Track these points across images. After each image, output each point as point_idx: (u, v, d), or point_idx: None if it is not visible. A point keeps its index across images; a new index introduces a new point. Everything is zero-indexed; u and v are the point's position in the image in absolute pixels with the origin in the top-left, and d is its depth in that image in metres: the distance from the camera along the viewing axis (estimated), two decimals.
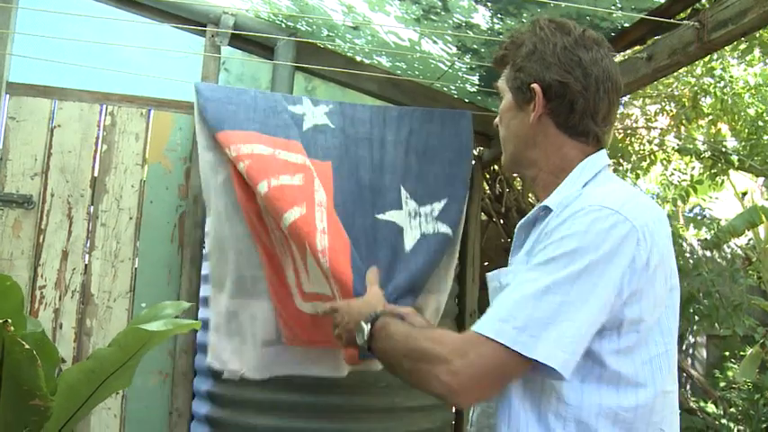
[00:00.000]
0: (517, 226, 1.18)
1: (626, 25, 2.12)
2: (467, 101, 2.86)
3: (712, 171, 4.31)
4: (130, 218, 2.46)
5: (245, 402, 2.23)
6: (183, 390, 2.39)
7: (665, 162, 4.65)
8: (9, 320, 1.02)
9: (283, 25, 2.63)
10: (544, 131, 1.11)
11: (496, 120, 1.20)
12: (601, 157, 1.13)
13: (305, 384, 2.16)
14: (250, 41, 2.67)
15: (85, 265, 2.42)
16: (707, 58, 3.80)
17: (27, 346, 1.08)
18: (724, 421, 4.16)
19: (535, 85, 1.09)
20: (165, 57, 2.53)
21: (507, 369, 0.98)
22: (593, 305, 0.96)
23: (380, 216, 2.18)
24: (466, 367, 0.98)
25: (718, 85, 4.16)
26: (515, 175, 1.12)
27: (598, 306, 0.96)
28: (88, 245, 2.43)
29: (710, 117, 4.33)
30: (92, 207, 2.45)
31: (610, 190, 1.06)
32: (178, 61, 2.58)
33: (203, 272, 2.47)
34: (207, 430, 2.34)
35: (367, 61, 2.79)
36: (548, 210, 1.07)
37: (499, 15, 2.19)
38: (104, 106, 2.49)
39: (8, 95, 2.41)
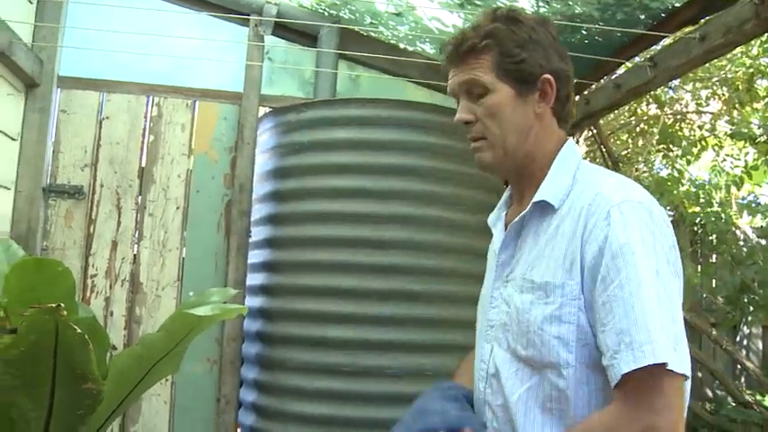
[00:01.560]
0: (502, 222, 1.16)
1: (677, 5, 2.06)
2: None
3: None
4: (177, 207, 2.49)
5: (292, 390, 2.24)
6: (230, 377, 2.42)
7: (716, 148, 4.53)
8: (62, 305, 1.04)
9: (326, 13, 2.63)
10: (543, 121, 1.08)
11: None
12: (572, 143, 1.12)
13: (352, 373, 2.16)
14: (293, 30, 2.67)
15: (134, 255, 2.46)
16: (764, 37, 3.66)
17: (79, 331, 1.10)
18: None
19: (548, 76, 1.06)
20: (209, 47, 2.55)
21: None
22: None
23: None
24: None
25: None
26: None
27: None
28: (137, 234, 2.46)
29: (766, 100, 4.19)
30: (140, 197, 2.49)
31: (617, 181, 1.04)
32: (222, 51, 2.59)
33: (249, 261, 2.49)
34: (254, 417, 2.37)
35: (410, 48, 2.77)
36: (547, 205, 1.04)
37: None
38: (151, 97, 2.53)
39: (59, 89, 2.46)
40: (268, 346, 2.37)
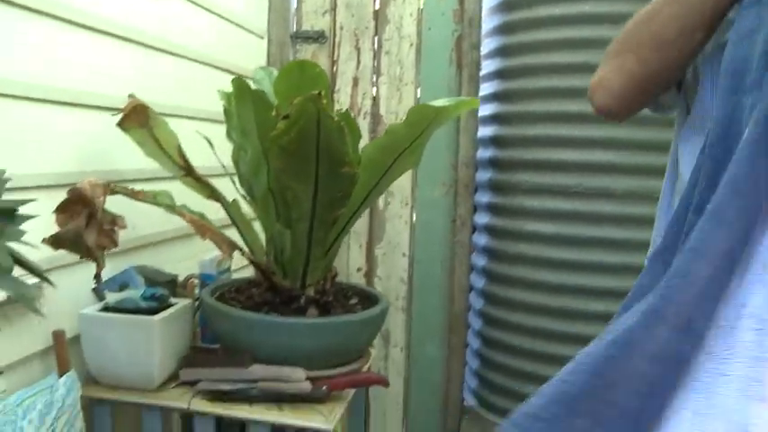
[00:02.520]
0: None
1: None
2: None
3: None
4: (411, 44, 2.62)
5: (526, 211, 2.37)
6: (464, 200, 2.60)
7: None
8: (322, 92, 1.22)
9: None
10: None
11: None
12: None
13: (584, 194, 2.23)
14: None
15: (374, 90, 2.66)
16: None
17: (336, 118, 1.28)
18: None
19: None
20: None
21: None
22: None
23: None
24: None
25: None
26: None
27: None
28: (375, 72, 2.65)
29: None
30: (376, 37, 2.65)
31: None
32: None
33: (481, 93, 2.60)
34: (486, 238, 2.55)
35: None
36: None
37: None
38: None
39: None
40: (499, 171, 2.50)
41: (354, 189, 1.41)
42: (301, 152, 1.33)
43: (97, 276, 1.28)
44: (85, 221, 1.17)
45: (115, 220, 1.24)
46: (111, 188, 1.26)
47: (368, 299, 1.70)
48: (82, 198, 1.18)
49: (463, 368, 2.82)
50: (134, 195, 1.36)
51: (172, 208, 1.44)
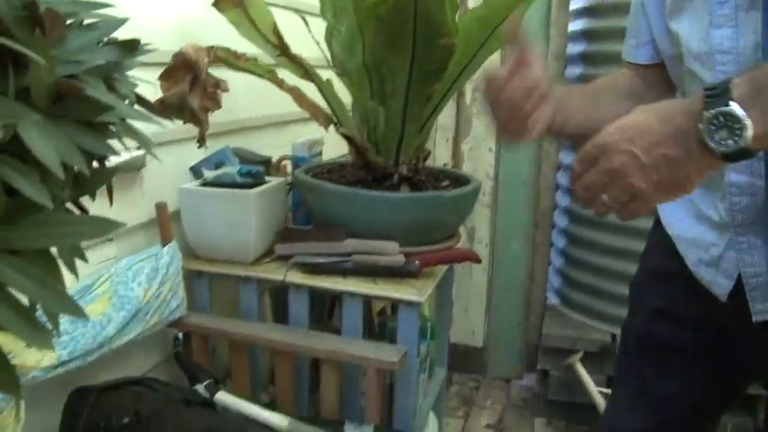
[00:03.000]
0: None
1: None
2: None
3: None
4: None
5: None
6: None
7: None
8: None
9: None
10: None
11: None
12: None
13: None
14: None
15: None
16: None
17: None
18: None
19: None
20: None
21: None
22: None
23: None
24: None
25: None
26: None
27: None
28: None
29: None
30: None
31: None
32: None
33: None
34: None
35: None
36: None
37: None
38: None
39: None
40: (590, 65, 2.41)
41: (451, 62, 1.38)
42: (398, 22, 1.30)
43: (201, 140, 1.31)
44: (189, 86, 1.19)
45: (218, 83, 1.26)
46: (213, 52, 1.27)
47: (458, 181, 1.69)
48: (186, 62, 1.19)
49: (547, 266, 2.81)
50: (236, 59, 1.37)
51: (273, 74, 1.44)
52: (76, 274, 0.73)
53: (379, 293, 1.46)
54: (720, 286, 0.98)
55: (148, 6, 1.40)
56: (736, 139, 0.68)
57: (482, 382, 2.93)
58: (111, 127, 0.71)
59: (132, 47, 0.71)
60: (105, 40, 0.69)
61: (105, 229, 0.68)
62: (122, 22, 0.69)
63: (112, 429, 1.08)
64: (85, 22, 0.67)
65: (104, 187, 0.87)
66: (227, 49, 1.38)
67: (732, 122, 0.68)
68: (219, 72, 1.41)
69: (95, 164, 0.79)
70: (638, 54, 1.13)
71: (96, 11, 0.67)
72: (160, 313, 1.40)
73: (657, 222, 1.15)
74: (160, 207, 1.47)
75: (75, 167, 0.62)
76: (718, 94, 0.70)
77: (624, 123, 0.75)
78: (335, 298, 1.77)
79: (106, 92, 0.67)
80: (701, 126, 0.70)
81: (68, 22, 0.65)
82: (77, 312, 0.65)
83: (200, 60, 1.20)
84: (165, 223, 1.47)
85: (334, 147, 2.07)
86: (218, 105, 1.27)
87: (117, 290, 1.31)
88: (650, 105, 0.76)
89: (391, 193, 1.52)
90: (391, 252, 1.46)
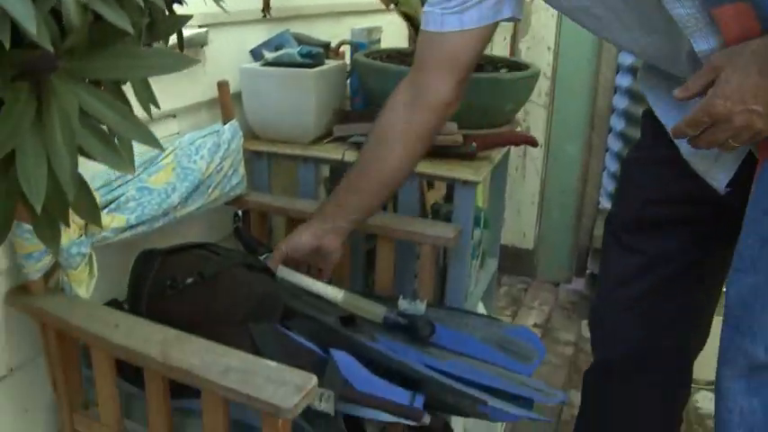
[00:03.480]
0: None
1: None
2: None
3: None
4: None
5: None
6: None
7: None
8: None
9: None
10: None
11: None
12: None
13: None
14: None
15: None
16: None
17: None
18: None
19: None
20: None
21: None
22: None
23: None
24: None
25: None
26: None
27: None
28: None
29: None
30: None
31: None
32: None
33: None
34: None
35: None
36: None
37: None
38: None
39: None
40: None
41: None
42: None
43: (266, 9, 1.32)
44: None
45: None
46: None
47: (518, 68, 1.67)
48: None
49: (602, 170, 2.78)
50: None
51: None
52: (150, 113, 0.77)
53: (438, 173, 1.48)
54: (717, 180, 0.98)
55: None
56: None
57: (531, 284, 2.97)
58: None
59: None
60: None
61: (178, 63, 0.71)
62: None
63: (177, 288, 1.13)
64: None
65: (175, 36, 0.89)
66: None
67: None
68: None
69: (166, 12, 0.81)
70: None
71: None
72: (221, 188, 1.45)
73: (648, 112, 1.13)
74: (222, 85, 1.49)
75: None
76: None
77: (729, 89, 0.78)
78: None
79: None
80: None
81: None
82: (154, 142, 0.68)
83: None
84: (226, 102, 1.50)
85: (392, 36, 2.06)
86: None
87: (181, 161, 1.35)
88: (733, 52, 0.80)
89: None
90: (450, 133, 1.47)
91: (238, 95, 1.57)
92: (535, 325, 2.65)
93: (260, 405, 0.81)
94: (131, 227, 1.21)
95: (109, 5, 0.64)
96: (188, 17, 0.80)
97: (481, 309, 1.95)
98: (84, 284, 1.10)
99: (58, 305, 1.05)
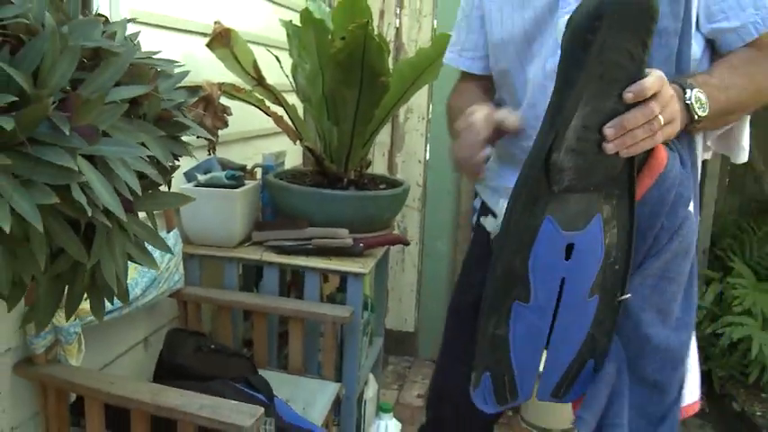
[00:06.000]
0: None
1: None
2: None
3: None
4: None
5: None
6: None
7: None
8: (370, 21, 1.67)
9: None
10: None
11: None
12: None
13: None
14: None
15: (397, 22, 3.09)
16: None
17: (377, 40, 1.73)
18: None
19: None
20: None
21: None
22: None
23: None
24: None
25: None
26: None
27: None
28: (398, 5, 3.08)
29: None
30: None
31: None
32: None
33: None
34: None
35: None
36: None
37: None
38: None
39: None
40: None
41: (387, 95, 1.88)
42: (351, 65, 1.79)
43: (212, 149, 1.77)
44: (203, 109, 1.65)
45: (225, 109, 1.72)
46: (221, 87, 1.74)
47: (393, 184, 2.19)
48: (202, 94, 1.65)
49: None
50: (236, 92, 1.84)
51: (261, 101, 1.92)
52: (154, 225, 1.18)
53: (333, 267, 1.94)
54: None
55: (165, 47, 1.86)
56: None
57: (414, 362, 3.43)
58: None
59: (193, 90, 1.18)
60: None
61: (182, 201, 1.14)
62: (184, 74, 1.14)
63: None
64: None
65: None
66: (232, 85, 1.86)
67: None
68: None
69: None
70: (475, 65, 1.42)
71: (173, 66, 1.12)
72: (168, 283, 1.85)
73: (476, 221, 1.53)
74: None
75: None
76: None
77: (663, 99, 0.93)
78: (295, 274, 2.25)
79: (184, 117, 1.13)
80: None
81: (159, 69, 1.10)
82: (168, 249, 1.11)
83: (213, 92, 1.66)
84: (169, 215, 1.91)
85: (293, 157, 2.55)
86: (225, 125, 1.74)
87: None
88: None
89: (342, 192, 2.01)
90: (342, 237, 1.95)
91: (177, 210, 1.99)
92: (418, 395, 3.09)
93: (227, 427, 1.22)
94: (108, 312, 1.59)
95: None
96: (176, 168, 1.23)
97: (372, 380, 2.39)
98: (74, 356, 1.47)
99: (62, 370, 1.42)
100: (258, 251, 2.01)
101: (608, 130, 0.90)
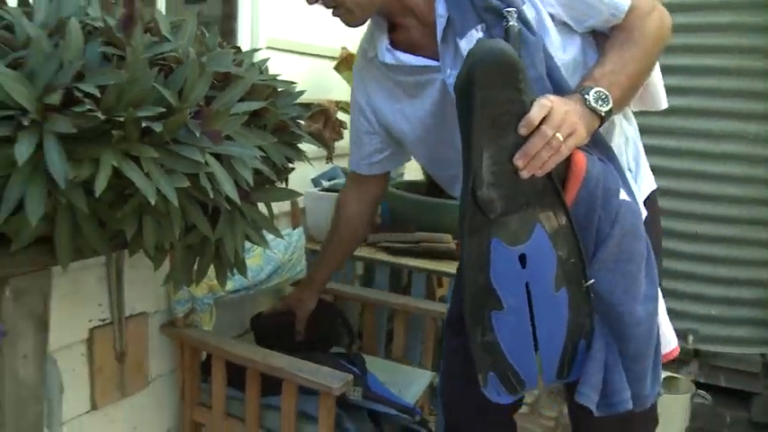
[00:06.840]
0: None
1: None
2: None
3: None
4: None
5: None
6: None
7: None
8: None
9: None
10: None
11: None
12: None
13: None
14: None
15: None
16: None
17: None
18: None
19: None
20: None
21: None
22: None
23: None
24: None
25: None
26: None
27: None
28: None
29: None
30: None
31: None
32: None
33: None
34: None
35: None
36: None
37: None
38: None
39: None
40: None
41: None
42: None
43: (329, 158, 2.04)
44: (323, 124, 1.92)
45: (342, 123, 1.99)
46: (338, 104, 2.01)
47: None
48: (322, 109, 1.92)
49: None
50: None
51: None
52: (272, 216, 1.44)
53: (437, 268, 2.14)
54: None
55: (297, 69, 2.16)
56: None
57: None
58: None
59: (305, 106, 1.44)
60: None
61: (291, 195, 1.39)
62: (301, 93, 1.38)
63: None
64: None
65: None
66: (348, 102, 2.12)
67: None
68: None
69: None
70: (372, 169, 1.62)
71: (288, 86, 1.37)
72: (290, 272, 2.13)
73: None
74: (293, 204, 2.20)
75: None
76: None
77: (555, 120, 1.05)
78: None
79: (298, 128, 1.38)
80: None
81: (279, 89, 1.36)
82: (279, 235, 1.36)
83: (331, 108, 1.93)
84: (296, 214, 2.20)
85: (410, 170, 2.79)
86: (341, 137, 2.00)
87: (265, 251, 2.04)
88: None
89: (448, 201, 2.21)
90: (447, 241, 2.15)
91: (304, 210, 2.28)
92: (526, 403, 3.21)
93: (319, 386, 1.46)
94: (237, 291, 1.89)
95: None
96: (291, 169, 1.49)
97: None
98: (207, 323, 1.78)
99: (196, 332, 1.73)
100: (373, 250, 2.25)
101: (517, 162, 1.04)
